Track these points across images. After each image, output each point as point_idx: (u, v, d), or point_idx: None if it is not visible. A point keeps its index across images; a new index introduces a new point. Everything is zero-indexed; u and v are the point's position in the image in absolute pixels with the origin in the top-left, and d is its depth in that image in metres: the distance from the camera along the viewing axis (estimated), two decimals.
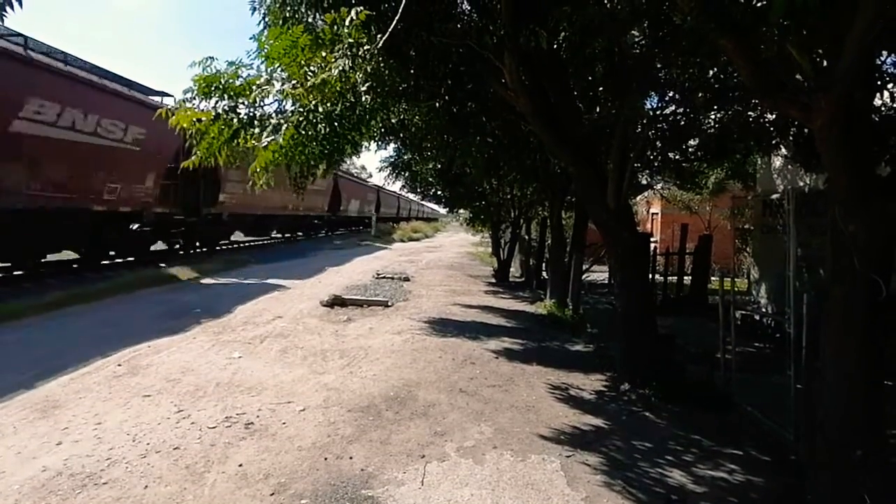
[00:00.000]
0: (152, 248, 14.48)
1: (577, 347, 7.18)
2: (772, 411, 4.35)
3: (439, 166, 11.39)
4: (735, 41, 3.00)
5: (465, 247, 27.45)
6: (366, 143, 5.62)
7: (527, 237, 15.90)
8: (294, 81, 3.43)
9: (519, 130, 7.52)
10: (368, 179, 46.68)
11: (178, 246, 15.51)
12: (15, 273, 10.28)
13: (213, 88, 3.68)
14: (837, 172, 2.93)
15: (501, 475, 3.32)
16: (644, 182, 11.19)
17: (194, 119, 3.72)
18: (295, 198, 19.30)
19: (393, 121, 6.61)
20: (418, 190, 16.89)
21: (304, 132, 3.37)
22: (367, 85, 3.49)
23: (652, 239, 12.24)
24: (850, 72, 2.58)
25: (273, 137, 3.37)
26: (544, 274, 12.88)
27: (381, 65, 3.89)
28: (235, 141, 3.66)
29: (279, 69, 3.54)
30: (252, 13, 5.04)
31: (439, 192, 16.61)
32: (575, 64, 6.05)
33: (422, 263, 17.56)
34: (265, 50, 3.53)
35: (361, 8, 3.36)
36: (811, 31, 2.79)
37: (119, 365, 5.23)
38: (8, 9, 2.44)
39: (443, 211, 39.04)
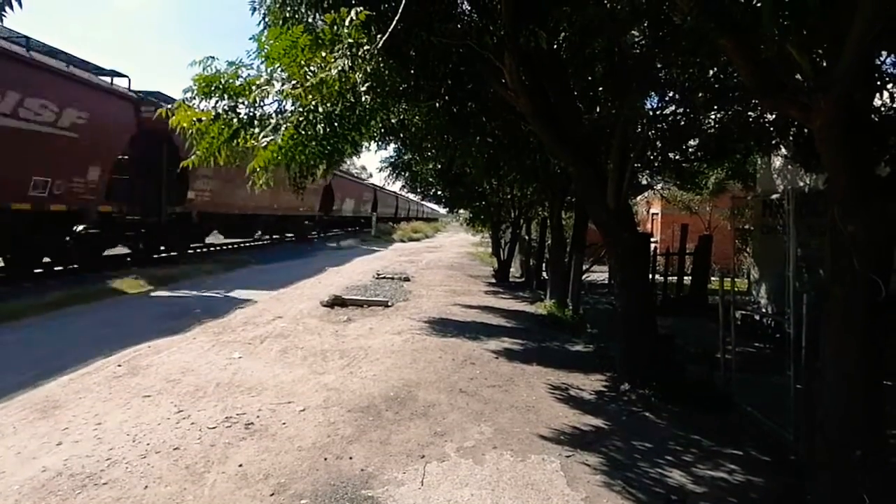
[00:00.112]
0: (110, 252, 12.92)
1: (577, 347, 7.18)
2: (772, 411, 4.34)
3: (439, 166, 11.39)
4: (735, 41, 3.00)
5: (465, 247, 27.45)
6: (366, 144, 5.62)
7: (527, 237, 15.90)
8: (294, 82, 3.43)
9: (519, 130, 7.52)
10: (368, 179, 46.50)
11: (135, 251, 13.78)
12: None
13: (213, 88, 3.68)
14: (837, 172, 2.93)
15: (501, 475, 3.32)
16: (644, 182, 11.19)
17: (194, 119, 3.72)
18: (282, 196, 18.12)
19: (393, 121, 6.60)
20: (418, 190, 16.89)
21: (303, 132, 3.37)
22: (366, 85, 3.48)
23: (652, 239, 12.22)
24: (849, 72, 2.58)
25: (272, 137, 3.37)
26: (544, 274, 12.88)
27: (381, 65, 3.88)
28: (235, 141, 3.66)
29: (279, 69, 3.54)
30: (252, 13, 5.03)
31: (439, 192, 16.62)
32: (575, 64, 6.05)
33: (422, 263, 17.56)
34: (265, 50, 3.52)
35: (361, 8, 3.35)
36: (811, 31, 2.79)
37: (119, 365, 5.24)
38: (7, 9, 2.44)
39: (443, 211, 38.95)
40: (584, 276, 10.52)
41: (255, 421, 4.00)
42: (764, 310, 9.17)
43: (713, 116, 6.53)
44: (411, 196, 28.56)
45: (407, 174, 13.74)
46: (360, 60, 3.42)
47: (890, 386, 3.60)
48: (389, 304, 9.26)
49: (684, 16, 3.48)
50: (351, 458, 3.47)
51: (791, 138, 6.06)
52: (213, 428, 3.83)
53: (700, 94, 5.43)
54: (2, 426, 3.75)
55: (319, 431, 3.86)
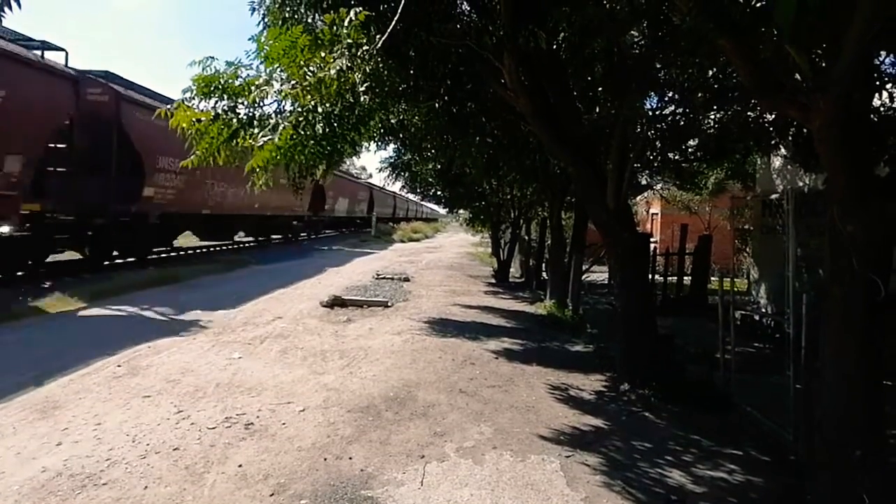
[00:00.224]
0: (57, 258, 11.08)
1: (576, 348, 7.18)
2: (771, 411, 4.35)
3: (439, 166, 11.39)
4: (734, 41, 3.01)
5: (465, 247, 27.47)
6: (365, 144, 5.63)
7: (527, 237, 15.91)
8: (293, 82, 3.43)
9: (519, 130, 7.52)
10: (367, 179, 46.21)
11: (83, 258, 11.72)
12: None
13: (212, 88, 3.67)
14: (836, 172, 2.93)
15: (501, 475, 3.32)
16: (644, 182, 11.19)
17: (194, 119, 3.72)
18: (266, 195, 15.01)
19: (392, 121, 6.61)
20: (418, 190, 16.88)
21: (302, 132, 3.37)
22: (365, 85, 3.48)
23: (652, 239, 12.23)
24: (848, 72, 2.58)
25: (270, 137, 3.37)
26: (544, 274, 12.89)
27: (381, 65, 3.88)
28: (235, 141, 3.66)
29: (278, 70, 3.54)
30: (252, 13, 5.04)
31: (439, 193, 16.61)
32: (574, 64, 6.06)
33: (422, 264, 17.56)
34: (264, 50, 3.52)
35: (360, 8, 3.36)
36: (810, 30, 2.79)
37: (119, 365, 5.23)
38: (7, 9, 2.44)
39: (442, 211, 38.77)
40: (583, 277, 10.52)
41: (255, 421, 4.00)
42: (763, 310, 9.17)
43: (712, 116, 6.53)
44: (410, 196, 28.37)
45: (406, 174, 13.73)
46: (359, 60, 3.42)
47: (889, 386, 3.61)
48: (389, 304, 9.27)
49: (684, 16, 3.49)
50: (351, 458, 3.47)
51: (790, 138, 6.06)
52: (213, 428, 3.83)
53: (699, 94, 5.43)
54: (2, 426, 3.74)
55: (319, 432, 3.86)
